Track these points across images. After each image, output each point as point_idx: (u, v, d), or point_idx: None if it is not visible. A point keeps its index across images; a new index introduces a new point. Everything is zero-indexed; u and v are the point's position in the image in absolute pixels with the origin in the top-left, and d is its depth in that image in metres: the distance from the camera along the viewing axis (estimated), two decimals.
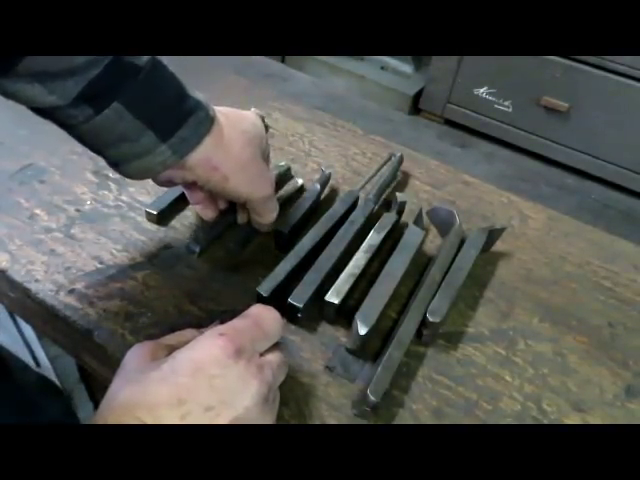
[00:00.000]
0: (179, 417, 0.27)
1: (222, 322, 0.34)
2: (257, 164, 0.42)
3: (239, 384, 0.29)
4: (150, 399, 0.28)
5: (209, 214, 0.46)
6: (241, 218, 0.49)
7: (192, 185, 0.43)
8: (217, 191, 0.42)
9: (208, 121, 0.38)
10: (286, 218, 0.49)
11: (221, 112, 0.41)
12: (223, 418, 0.28)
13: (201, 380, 0.28)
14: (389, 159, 0.59)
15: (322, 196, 0.54)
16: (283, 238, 0.48)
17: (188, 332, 0.36)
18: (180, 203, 0.52)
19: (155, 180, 0.42)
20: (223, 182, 0.40)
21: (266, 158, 0.46)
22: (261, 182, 0.43)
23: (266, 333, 0.33)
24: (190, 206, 0.51)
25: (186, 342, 0.31)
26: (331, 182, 0.56)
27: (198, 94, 0.39)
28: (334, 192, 0.57)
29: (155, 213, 0.49)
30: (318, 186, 0.53)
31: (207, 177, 0.40)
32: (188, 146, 0.37)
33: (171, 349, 0.32)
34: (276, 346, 0.34)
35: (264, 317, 0.34)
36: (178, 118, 0.37)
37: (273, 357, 0.33)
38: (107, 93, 0.34)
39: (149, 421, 0.27)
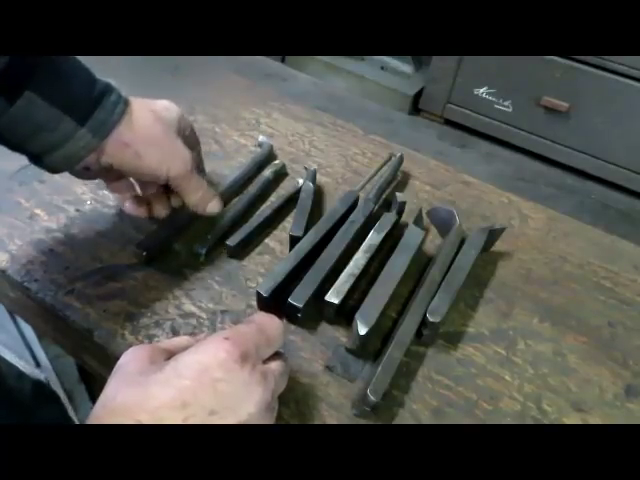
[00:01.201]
0: (181, 420, 0.27)
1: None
2: (169, 140, 0.42)
3: (243, 390, 0.29)
4: (152, 402, 0.27)
5: (160, 211, 0.47)
6: (175, 201, 0.48)
7: (109, 174, 0.44)
8: (132, 171, 0.42)
9: (122, 101, 0.39)
10: (295, 221, 0.49)
11: (132, 97, 0.41)
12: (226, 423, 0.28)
13: (206, 383, 0.28)
14: (389, 159, 0.59)
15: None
16: (297, 242, 0.47)
17: (183, 339, 0.36)
18: (171, 241, 0.49)
19: (72, 172, 0.42)
20: (135, 159, 0.40)
21: (186, 139, 0.45)
22: (175, 158, 0.43)
23: (269, 339, 0.33)
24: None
25: (183, 348, 0.31)
26: (331, 182, 0.56)
27: (106, 78, 0.39)
28: (330, 190, 0.57)
29: (144, 254, 0.46)
30: (311, 184, 0.53)
31: (120, 155, 0.40)
32: (106, 127, 0.38)
33: (169, 354, 0.32)
34: (278, 354, 0.34)
35: (267, 324, 0.34)
36: (93, 100, 0.37)
37: (276, 365, 0.33)
38: (17, 83, 0.34)
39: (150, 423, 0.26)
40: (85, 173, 0.43)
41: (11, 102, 0.35)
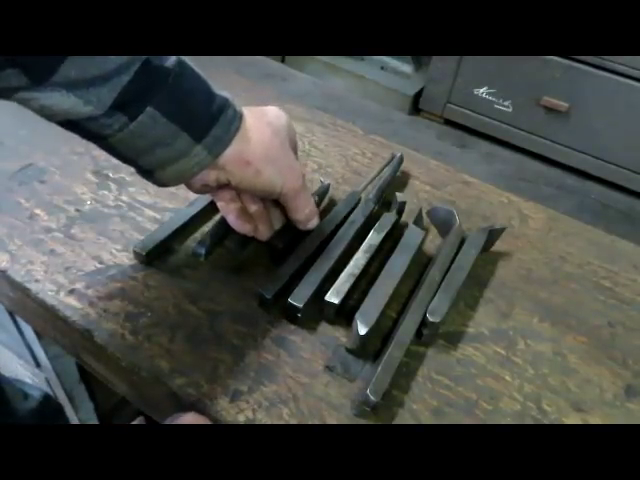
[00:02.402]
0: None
1: None
2: (286, 155, 0.42)
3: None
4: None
5: (247, 228, 0.46)
6: (277, 223, 0.47)
7: (222, 191, 0.43)
8: (250, 188, 0.41)
9: (237, 117, 0.38)
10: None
11: (245, 108, 0.41)
12: None
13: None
14: (391, 160, 0.59)
15: (321, 207, 0.54)
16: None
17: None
18: (171, 241, 0.49)
19: (190, 187, 0.42)
20: (256, 176, 0.40)
21: (294, 149, 0.46)
22: (291, 173, 0.42)
23: None
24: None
25: None
26: (331, 182, 0.56)
27: (223, 92, 0.39)
28: (332, 202, 0.56)
29: (144, 254, 0.46)
30: (316, 197, 0.52)
31: (240, 173, 0.39)
32: (222, 144, 0.37)
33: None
34: None
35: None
36: (210, 117, 0.37)
37: None
38: (140, 99, 0.34)
39: None
40: (203, 189, 0.42)
41: (132, 118, 0.34)
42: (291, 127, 0.45)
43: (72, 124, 0.34)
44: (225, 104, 0.38)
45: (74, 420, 0.79)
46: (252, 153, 0.39)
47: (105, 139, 0.35)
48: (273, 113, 0.43)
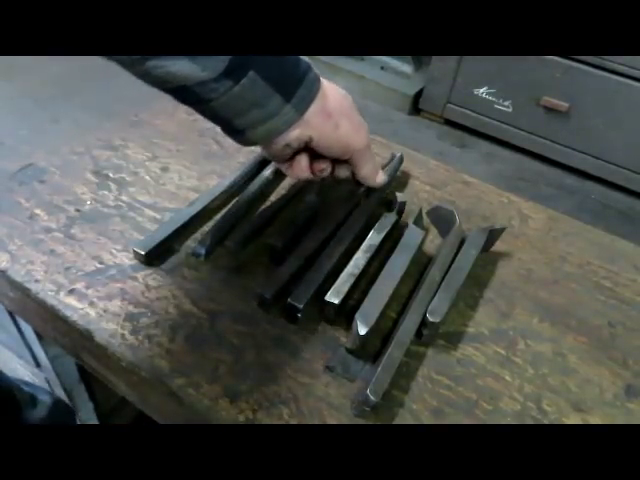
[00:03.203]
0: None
1: None
2: (354, 113, 0.46)
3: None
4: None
5: (323, 170, 0.48)
6: (342, 172, 0.50)
7: (299, 156, 0.46)
8: (328, 143, 0.44)
9: (317, 79, 0.42)
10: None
11: None
12: None
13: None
14: (391, 160, 0.59)
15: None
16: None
17: None
18: (171, 241, 0.49)
19: (271, 148, 0.44)
20: (334, 130, 0.43)
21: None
22: (362, 130, 0.46)
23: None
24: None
25: None
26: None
27: (304, 57, 0.42)
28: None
29: (144, 254, 0.46)
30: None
31: (321, 127, 0.43)
32: (306, 102, 0.41)
33: None
34: None
35: None
36: (298, 79, 0.40)
37: None
38: (245, 63, 0.37)
39: None
40: (284, 149, 0.44)
41: (236, 82, 0.37)
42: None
43: (183, 89, 0.37)
44: (308, 68, 0.41)
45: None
46: (332, 108, 0.43)
47: (208, 102, 0.38)
48: (333, 85, 0.47)
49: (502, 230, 0.51)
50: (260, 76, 0.38)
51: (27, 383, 0.68)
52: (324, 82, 0.44)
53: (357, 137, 0.46)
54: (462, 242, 0.50)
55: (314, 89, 0.42)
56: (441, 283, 0.45)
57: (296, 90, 0.40)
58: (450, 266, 0.47)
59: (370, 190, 0.53)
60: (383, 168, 0.57)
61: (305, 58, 0.42)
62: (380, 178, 0.51)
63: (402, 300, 0.46)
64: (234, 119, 0.40)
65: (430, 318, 0.42)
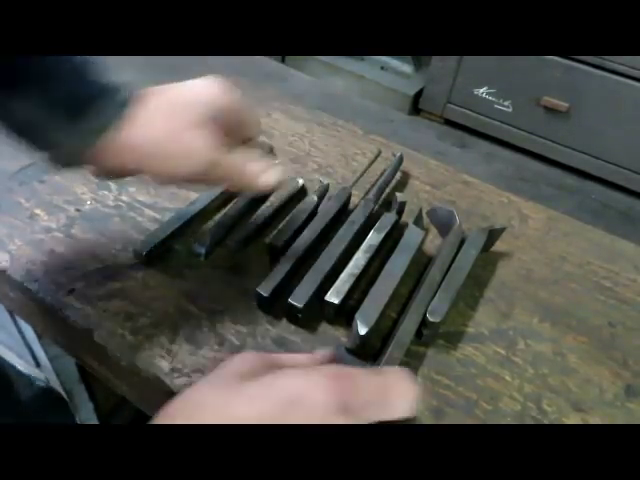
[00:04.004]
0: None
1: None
2: (178, 139, 0.38)
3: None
4: (228, 410, 0.27)
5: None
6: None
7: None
8: (138, 173, 0.39)
9: (121, 104, 0.36)
10: (281, 230, 0.49)
11: (160, 87, 0.39)
12: None
13: (290, 417, 0.27)
14: (379, 154, 0.59)
15: (320, 206, 0.53)
16: (277, 252, 0.47)
17: (303, 357, 0.34)
18: (171, 241, 0.49)
19: (95, 174, 0.40)
20: (137, 163, 0.38)
21: (229, 126, 0.41)
22: (186, 158, 0.38)
23: (387, 404, 0.29)
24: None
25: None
26: (331, 182, 0.56)
27: (118, 76, 0.37)
28: (330, 190, 0.56)
29: (144, 254, 0.46)
30: (315, 197, 0.52)
31: (119, 160, 0.38)
32: (99, 131, 0.36)
33: (279, 367, 0.30)
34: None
35: (396, 385, 0.30)
36: (89, 101, 0.35)
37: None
38: (14, 80, 0.34)
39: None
40: (107, 175, 0.41)
41: (9, 98, 0.34)
42: (222, 101, 0.40)
43: None
44: (107, 89, 0.36)
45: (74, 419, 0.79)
46: (130, 140, 0.37)
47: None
48: (192, 88, 0.40)
49: (502, 230, 0.51)
50: (36, 94, 0.34)
51: (21, 371, 0.69)
52: (151, 100, 0.37)
53: (179, 166, 0.38)
54: (462, 242, 0.50)
55: (111, 115, 0.36)
56: (441, 283, 0.45)
57: (84, 115, 0.35)
58: (450, 266, 0.47)
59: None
60: (372, 163, 0.56)
61: (123, 76, 0.36)
62: (267, 178, 0.41)
63: (402, 300, 0.46)
64: (21, 139, 0.36)
65: (430, 318, 0.42)
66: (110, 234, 0.49)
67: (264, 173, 0.41)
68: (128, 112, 0.36)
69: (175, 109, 0.38)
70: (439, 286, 0.45)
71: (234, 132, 0.42)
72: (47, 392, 0.70)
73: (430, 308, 0.42)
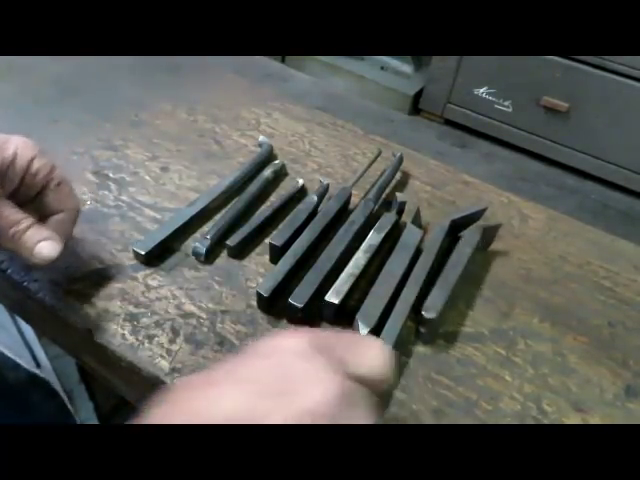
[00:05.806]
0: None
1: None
2: None
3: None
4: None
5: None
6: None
7: None
8: None
9: None
10: (281, 230, 0.48)
11: None
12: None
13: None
14: (379, 154, 0.59)
15: (320, 207, 0.53)
16: (277, 251, 0.47)
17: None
18: (171, 241, 0.48)
19: None
20: None
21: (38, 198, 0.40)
22: None
23: (359, 354, 0.29)
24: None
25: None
26: (331, 182, 0.56)
27: None
28: (330, 190, 0.57)
29: (144, 254, 0.46)
30: (315, 197, 0.52)
31: None
32: None
33: None
34: None
35: (367, 341, 0.30)
36: None
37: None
38: None
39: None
40: None
41: None
42: (33, 169, 0.39)
43: None
44: None
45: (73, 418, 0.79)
46: None
47: None
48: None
49: (497, 227, 0.51)
50: None
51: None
52: None
53: None
54: (457, 240, 0.50)
55: None
56: (435, 279, 0.45)
57: None
58: (445, 263, 0.46)
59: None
60: (372, 163, 0.57)
61: None
62: (40, 251, 0.38)
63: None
64: None
65: (426, 315, 0.42)
66: (110, 234, 0.49)
67: (42, 243, 0.38)
68: None
69: None
70: (430, 278, 0.44)
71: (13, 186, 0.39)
72: (33, 377, 0.70)
73: (425, 305, 0.42)
